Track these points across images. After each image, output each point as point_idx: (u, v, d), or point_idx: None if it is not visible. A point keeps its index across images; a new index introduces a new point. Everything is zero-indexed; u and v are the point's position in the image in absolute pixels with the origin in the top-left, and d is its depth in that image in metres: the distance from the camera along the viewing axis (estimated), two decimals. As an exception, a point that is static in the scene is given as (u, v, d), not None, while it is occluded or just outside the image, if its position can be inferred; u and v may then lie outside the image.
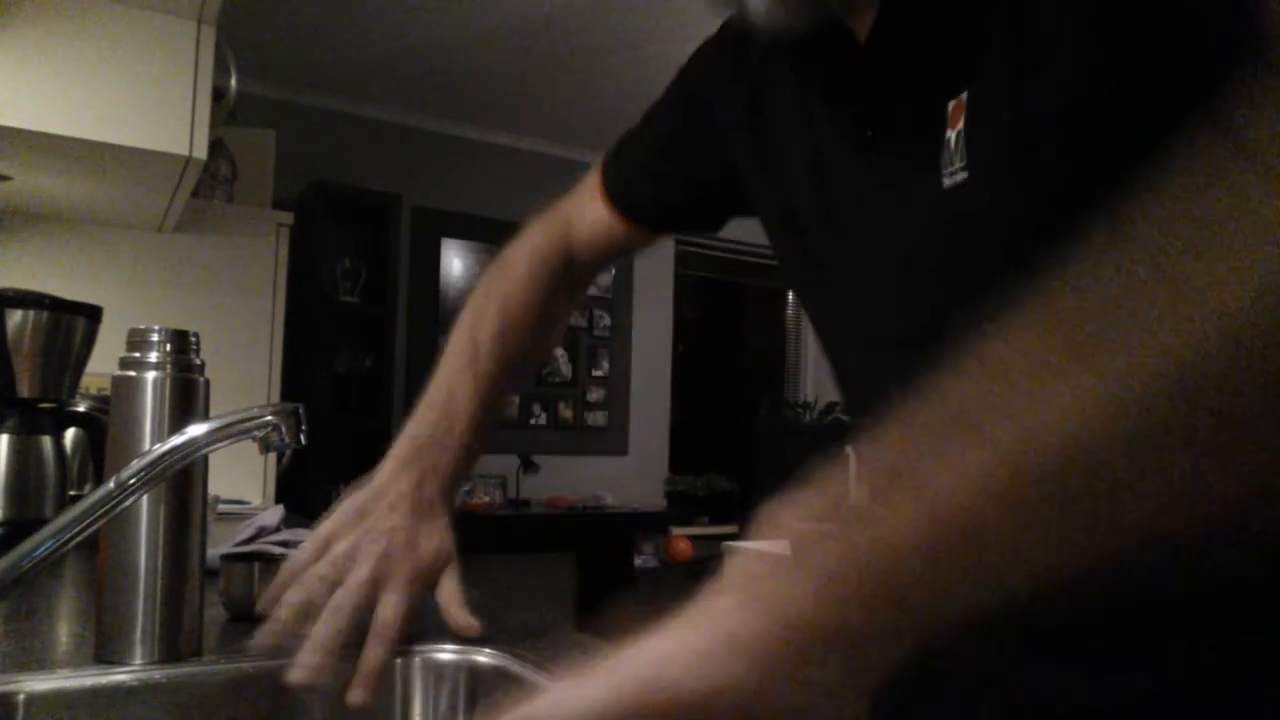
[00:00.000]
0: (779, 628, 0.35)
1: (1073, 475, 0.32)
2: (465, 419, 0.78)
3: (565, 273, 0.87)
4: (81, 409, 1.49)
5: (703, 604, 0.37)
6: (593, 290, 5.11)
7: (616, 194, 0.84)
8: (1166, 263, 0.31)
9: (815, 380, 5.64)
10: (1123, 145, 0.46)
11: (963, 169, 0.52)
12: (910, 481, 0.35)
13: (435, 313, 4.66)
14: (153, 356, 0.76)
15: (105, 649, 0.74)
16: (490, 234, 4.79)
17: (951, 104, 0.52)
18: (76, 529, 0.62)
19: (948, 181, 0.53)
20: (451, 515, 0.76)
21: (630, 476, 5.01)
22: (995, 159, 0.51)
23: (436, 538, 0.74)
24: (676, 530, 4.93)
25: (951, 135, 0.52)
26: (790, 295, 5.64)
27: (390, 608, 0.70)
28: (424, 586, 0.73)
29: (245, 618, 0.90)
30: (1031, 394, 0.33)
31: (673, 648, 0.36)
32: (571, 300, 0.90)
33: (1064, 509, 0.32)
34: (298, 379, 3.46)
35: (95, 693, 0.71)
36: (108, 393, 0.79)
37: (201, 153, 1.77)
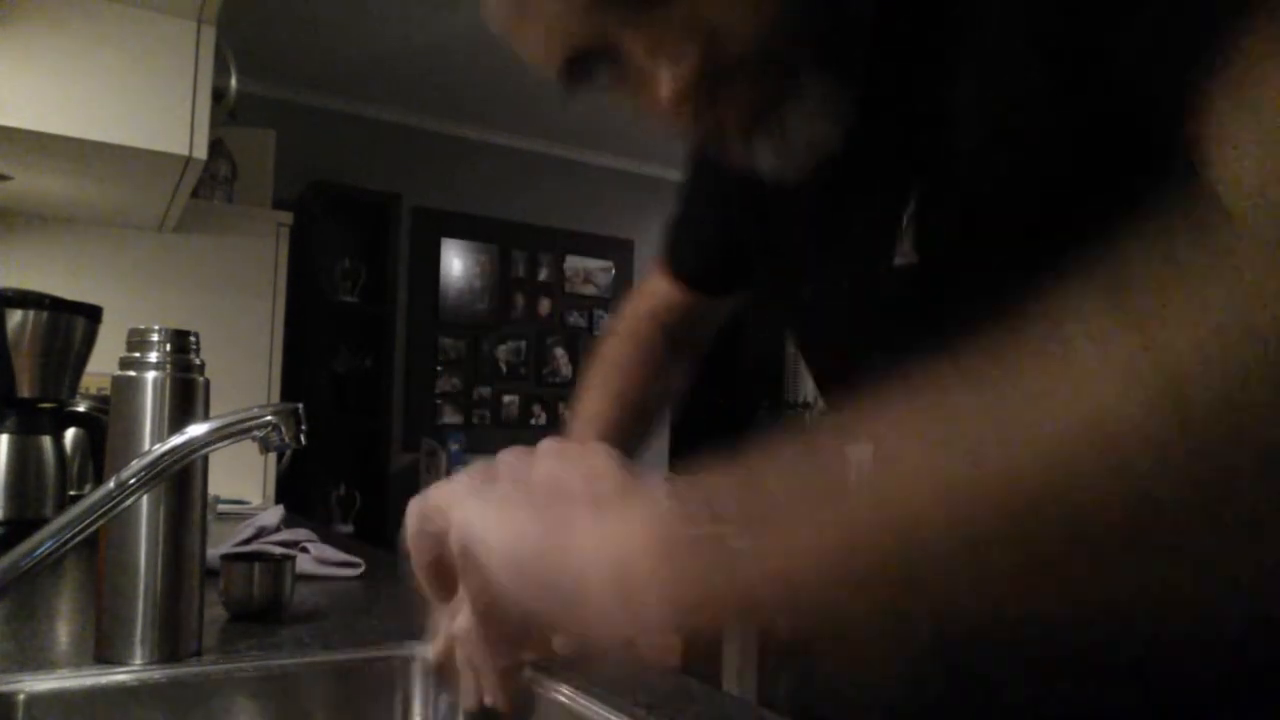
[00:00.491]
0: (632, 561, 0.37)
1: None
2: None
3: (661, 334, 0.88)
4: (81, 409, 1.49)
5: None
6: (592, 290, 5.12)
7: (674, 268, 0.86)
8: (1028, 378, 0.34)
9: (814, 381, 5.64)
10: (1076, 210, 0.48)
11: (911, 251, 0.53)
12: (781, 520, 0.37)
13: (435, 312, 4.66)
14: (153, 356, 0.76)
15: (105, 649, 0.75)
16: (490, 234, 4.80)
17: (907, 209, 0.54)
18: (76, 529, 0.62)
19: (898, 261, 0.54)
20: None
21: (630, 476, 5.01)
22: (940, 250, 0.52)
23: None
24: (676, 530, 4.92)
25: (906, 216, 0.54)
26: (790, 295, 5.64)
27: None
28: None
29: (245, 617, 0.91)
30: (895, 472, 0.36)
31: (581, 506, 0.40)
32: (676, 359, 0.89)
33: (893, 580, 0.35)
34: (297, 379, 3.46)
35: (95, 692, 0.71)
36: (108, 393, 0.79)
37: (201, 153, 1.77)
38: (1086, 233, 0.47)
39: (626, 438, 0.81)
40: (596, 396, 0.83)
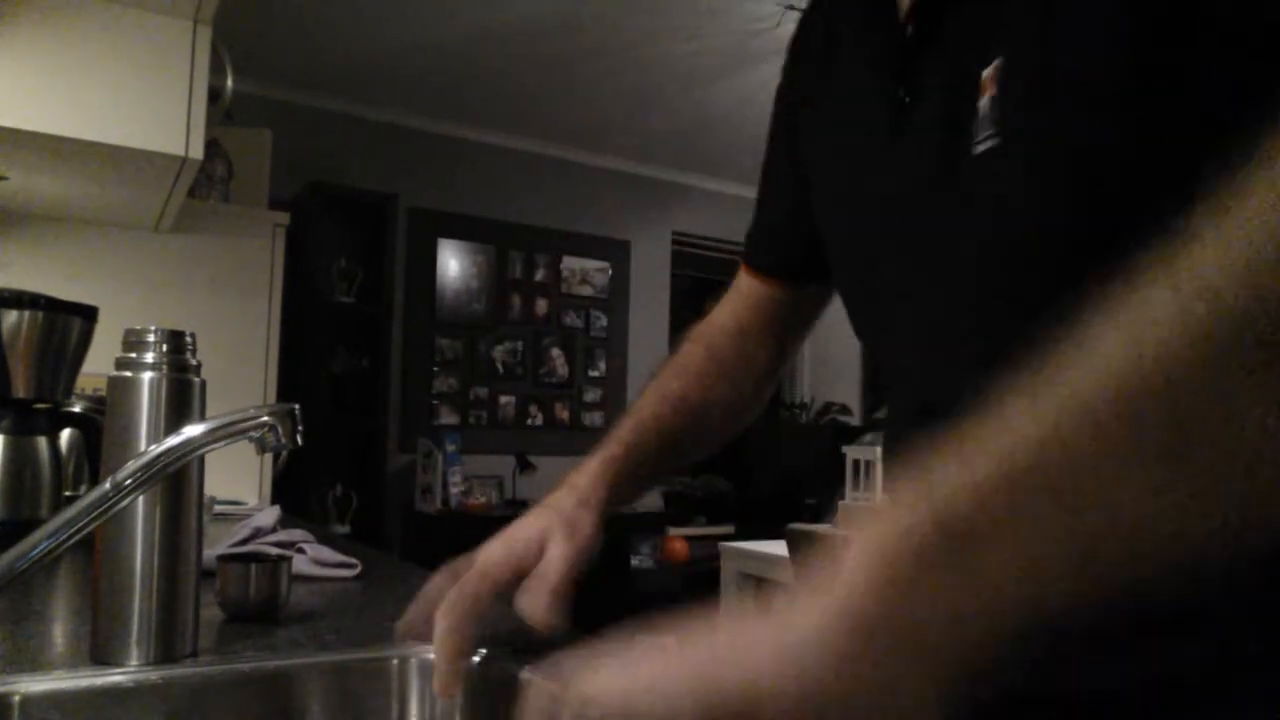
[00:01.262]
0: (842, 624, 0.35)
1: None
2: (599, 497, 0.77)
3: (738, 339, 0.86)
4: (77, 409, 1.49)
5: (781, 603, 0.38)
6: (589, 290, 5.13)
7: (751, 256, 0.86)
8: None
9: (812, 381, 5.65)
10: (1158, 123, 0.47)
11: (993, 135, 0.52)
12: (955, 456, 0.35)
13: (431, 313, 4.65)
14: (149, 357, 0.76)
15: (101, 650, 0.74)
16: (487, 234, 4.80)
17: (986, 71, 0.53)
18: (72, 530, 0.62)
19: (979, 148, 0.53)
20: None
21: (627, 477, 5.01)
22: (1025, 126, 0.51)
23: (591, 526, 0.73)
24: (673, 531, 4.93)
25: (984, 101, 0.52)
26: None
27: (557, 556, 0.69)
28: (581, 554, 0.72)
29: (241, 618, 0.90)
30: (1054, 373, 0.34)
31: (750, 638, 0.37)
32: (758, 362, 0.87)
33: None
34: (294, 379, 3.46)
35: (91, 694, 0.71)
36: (103, 393, 0.78)
37: (197, 153, 1.77)
38: (1173, 130, 0.47)
39: (675, 439, 0.80)
40: (651, 397, 0.82)
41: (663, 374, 0.85)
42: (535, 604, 0.66)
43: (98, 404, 1.56)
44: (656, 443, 0.79)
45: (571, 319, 5.07)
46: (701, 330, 0.87)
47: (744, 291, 0.86)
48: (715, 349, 0.86)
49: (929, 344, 0.62)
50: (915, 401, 0.65)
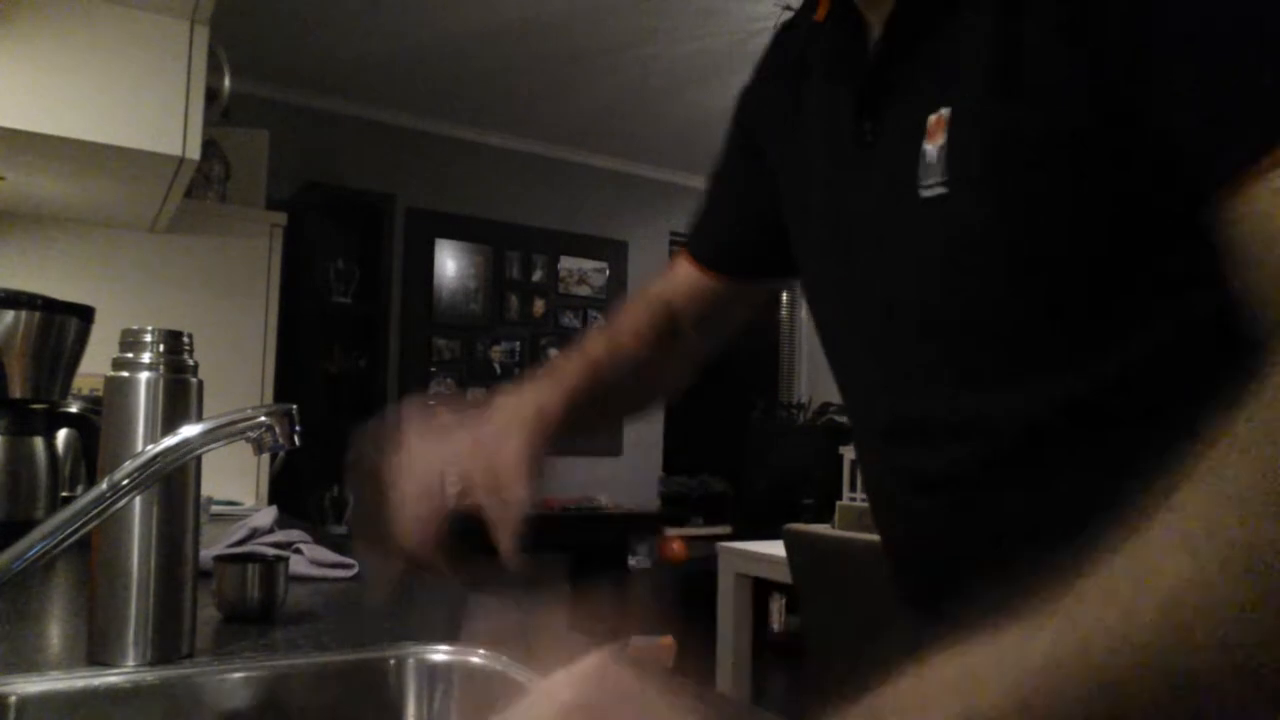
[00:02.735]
0: None
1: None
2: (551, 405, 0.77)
3: (667, 320, 0.87)
4: (74, 410, 1.49)
5: None
6: (586, 290, 5.12)
7: (694, 248, 0.87)
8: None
9: (809, 381, 5.65)
10: (1101, 182, 0.49)
11: (940, 184, 0.54)
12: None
13: (429, 313, 4.65)
14: (146, 357, 0.76)
15: (98, 651, 0.74)
16: (484, 235, 4.79)
17: (933, 118, 0.55)
18: (69, 530, 0.62)
19: (925, 193, 0.55)
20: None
21: (624, 477, 5.01)
22: (971, 177, 0.53)
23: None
24: (670, 531, 4.93)
25: (931, 149, 0.55)
26: (784, 296, 5.65)
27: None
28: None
29: (238, 619, 0.90)
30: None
31: None
32: (679, 347, 0.88)
33: None
34: (291, 380, 3.45)
35: (88, 694, 0.70)
36: (100, 393, 0.78)
37: (195, 153, 1.77)
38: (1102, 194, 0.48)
39: (581, 404, 0.79)
40: (575, 357, 0.83)
41: (593, 337, 0.85)
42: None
43: (94, 404, 1.55)
44: (602, 391, 0.80)
45: (569, 319, 5.07)
46: (638, 303, 0.88)
47: (682, 278, 0.87)
48: (645, 322, 0.86)
49: (882, 370, 0.63)
50: (871, 423, 0.67)
